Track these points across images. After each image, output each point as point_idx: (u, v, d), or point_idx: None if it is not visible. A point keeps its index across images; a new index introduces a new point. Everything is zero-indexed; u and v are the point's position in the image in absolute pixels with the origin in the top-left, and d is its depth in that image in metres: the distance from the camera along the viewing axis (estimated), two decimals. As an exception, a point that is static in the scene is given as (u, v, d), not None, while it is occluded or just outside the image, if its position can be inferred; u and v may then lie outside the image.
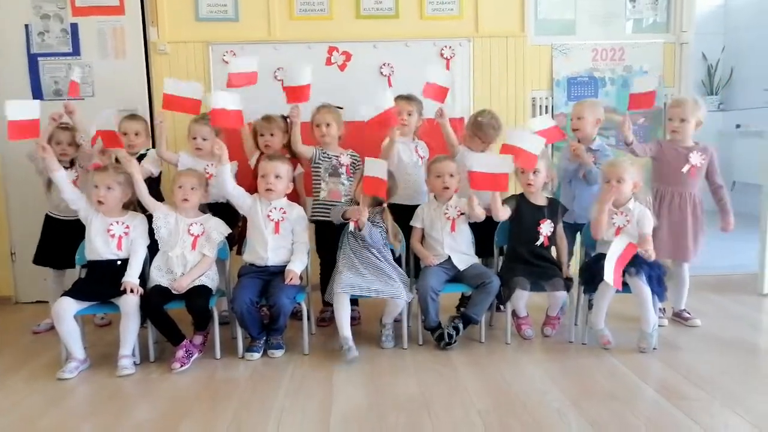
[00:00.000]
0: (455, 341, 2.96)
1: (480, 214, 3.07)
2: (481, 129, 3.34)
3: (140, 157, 3.34)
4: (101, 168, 3.01)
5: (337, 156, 3.36)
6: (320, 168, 3.35)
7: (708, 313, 3.42)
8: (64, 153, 3.28)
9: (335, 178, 3.32)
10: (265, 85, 3.88)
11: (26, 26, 3.86)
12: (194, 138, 3.30)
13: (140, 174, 2.98)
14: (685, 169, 3.18)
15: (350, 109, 3.48)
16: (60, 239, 3.30)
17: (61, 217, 3.34)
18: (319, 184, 3.36)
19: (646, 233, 2.95)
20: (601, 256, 2.99)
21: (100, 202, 2.91)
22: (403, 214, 3.21)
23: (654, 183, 3.29)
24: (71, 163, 3.33)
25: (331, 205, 3.25)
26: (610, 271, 2.75)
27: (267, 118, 3.40)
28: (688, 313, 3.31)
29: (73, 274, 3.18)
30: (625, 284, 2.91)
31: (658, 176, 3.28)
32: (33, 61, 3.88)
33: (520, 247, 3.11)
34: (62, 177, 2.94)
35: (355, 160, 3.38)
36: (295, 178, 3.24)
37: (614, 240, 2.83)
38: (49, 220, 3.41)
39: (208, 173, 3.20)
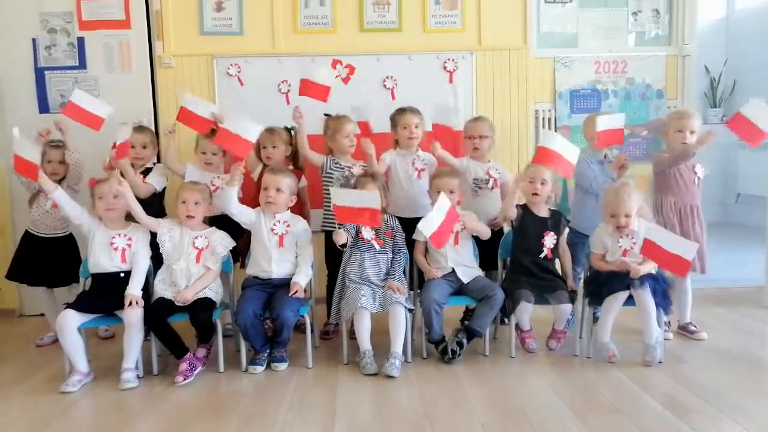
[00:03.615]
0: (459, 356, 2.95)
1: (485, 232, 3.08)
2: (474, 127, 3.41)
3: (146, 171, 3.36)
4: (103, 180, 3.01)
5: (349, 167, 3.36)
6: (332, 178, 3.34)
7: (714, 326, 3.40)
8: (55, 172, 3.29)
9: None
10: (269, 98, 3.93)
11: (33, 40, 3.90)
12: (203, 153, 3.31)
13: (133, 197, 2.94)
14: (695, 181, 3.23)
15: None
16: (36, 256, 3.31)
17: (40, 235, 3.34)
18: (329, 194, 3.34)
19: None
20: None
21: (109, 210, 2.92)
22: (402, 227, 3.20)
23: (661, 195, 3.28)
24: (59, 182, 3.32)
25: None
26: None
27: (270, 130, 3.41)
28: (694, 326, 3.29)
29: (62, 291, 3.23)
30: (630, 297, 2.90)
31: (667, 189, 3.28)
32: (40, 74, 3.91)
33: (523, 259, 3.11)
34: (61, 196, 2.94)
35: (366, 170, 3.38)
36: (299, 190, 3.24)
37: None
38: (27, 236, 3.40)
39: (214, 185, 3.20)
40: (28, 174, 2.89)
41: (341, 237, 2.97)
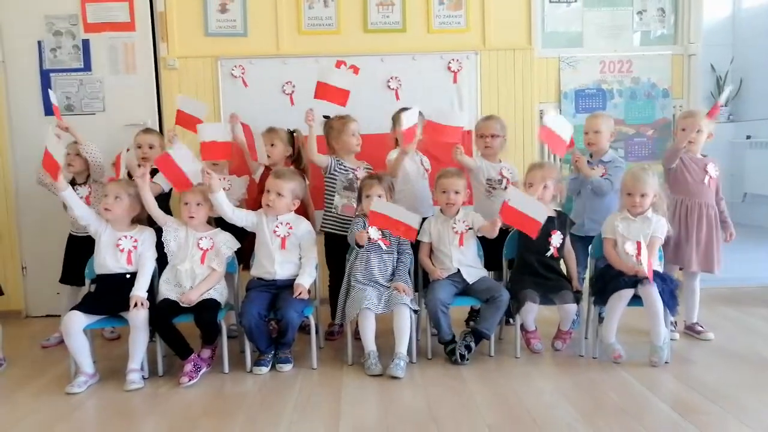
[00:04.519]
0: (467, 359, 2.93)
1: (494, 231, 3.07)
2: (485, 126, 3.41)
3: (153, 172, 3.37)
4: (112, 180, 3.04)
5: (353, 169, 3.36)
6: (335, 180, 3.34)
7: (721, 326, 3.38)
8: (71, 164, 3.32)
9: (350, 192, 3.30)
10: (273, 99, 3.93)
11: (39, 43, 3.91)
12: None
13: (147, 186, 2.95)
14: (706, 180, 3.22)
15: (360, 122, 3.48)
16: (78, 256, 3.30)
17: (79, 235, 3.34)
18: (332, 195, 3.34)
19: (657, 237, 2.96)
20: (610, 267, 2.98)
21: (106, 210, 2.93)
22: None
23: (677, 195, 3.26)
24: (86, 179, 3.37)
25: (343, 220, 3.26)
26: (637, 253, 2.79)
27: (269, 129, 3.42)
28: (701, 327, 3.27)
29: (86, 289, 3.20)
30: (636, 297, 2.88)
31: (680, 188, 3.26)
32: (45, 76, 3.92)
33: (529, 258, 3.09)
34: (70, 195, 2.94)
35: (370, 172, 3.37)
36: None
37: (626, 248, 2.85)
38: (70, 238, 3.43)
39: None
40: (50, 171, 2.85)
41: (364, 238, 2.96)
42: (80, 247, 3.30)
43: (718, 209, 3.30)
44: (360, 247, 3.01)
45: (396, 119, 3.40)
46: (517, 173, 3.45)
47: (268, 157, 3.38)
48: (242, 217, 3.05)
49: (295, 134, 3.49)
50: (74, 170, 3.33)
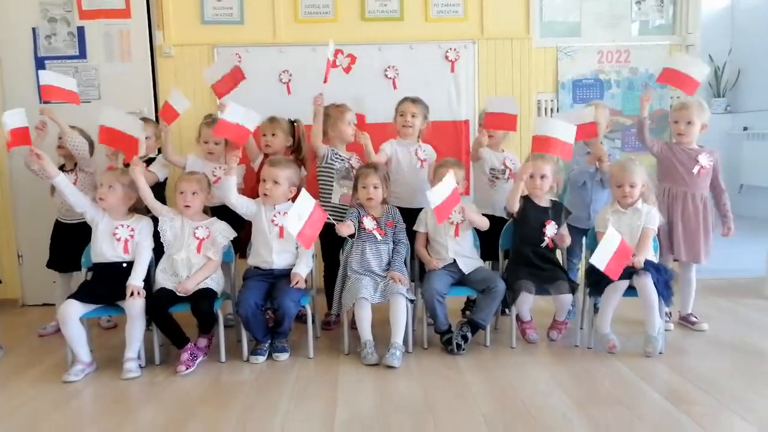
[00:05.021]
0: (464, 349, 2.95)
1: (483, 223, 3.08)
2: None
3: (149, 161, 3.36)
4: (109, 169, 3.03)
5: (348, 159, 3.35)
6: (332, 169, 3.33)
7: (715, 317, 3.40)
8: (61, 146, 3.32)
9: (348, 181, 3.30)
10: (270, 88, 3.91)
11: (33, 30, 3.89)
12: (206, 142, 3.30)
13: (143, 178, 2.95)
14: (695, 170, 3.19)
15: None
16: (67, 243, 3.31)
17: (67, 221, 3.35)
18: (329, 185, 3.33)
19: (650, 228, 2.97)
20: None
21: (100, 199, 2.93)
22: (403, 217, 3.20)
23: (665, 184, 3.27)
24: (74, 166, 3.36)
25: (342, 208, 3.25)
26: (603, 261, 2.69)
27: (271, 119, 3.41)
28: (695, 317, 3.29)
29: (80, 277, 3.19)
30: (631, 287, 2.90)
31: (669, 177, 3.27)
32: (40, 64, 3.89)
33: (524, 249, 3.10)
34: (62, 181, 2.94)
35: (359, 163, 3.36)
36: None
37: (607, 232, 2.76)
38: (57, 224, 3.43)
39: (216, 176, 3.20)
40: (23, 141, 2.85)
41: (349, 228, 2.98)
42: (68, 234, 3.31)
43: (719, 202, 3.28)
44: (351, 237, 3.02)
45: (396, 108, 3.39)
46: (519, 163, 3.45)
47: (267, 146, 3.37)
48: (244, 204, 3.04)
49: (295, 124, 3.47)
50: (63, 153, 3.33)
